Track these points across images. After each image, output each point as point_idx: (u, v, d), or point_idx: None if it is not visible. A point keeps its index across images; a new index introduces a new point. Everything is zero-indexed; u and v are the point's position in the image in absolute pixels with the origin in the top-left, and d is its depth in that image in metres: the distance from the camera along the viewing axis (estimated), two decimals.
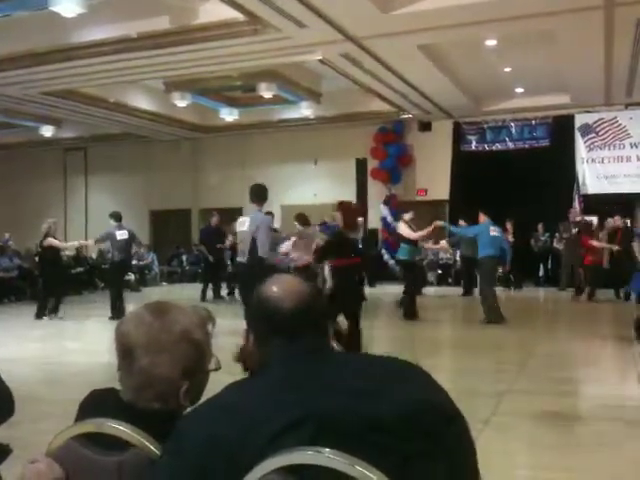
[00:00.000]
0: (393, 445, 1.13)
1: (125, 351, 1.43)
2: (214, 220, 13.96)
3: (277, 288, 1.38)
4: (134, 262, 16.53)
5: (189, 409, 1.39)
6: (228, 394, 1.26)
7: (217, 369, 1.52)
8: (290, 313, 1.34)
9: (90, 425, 1.39)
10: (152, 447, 1.32)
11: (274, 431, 1.12)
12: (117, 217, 10.97)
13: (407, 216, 10.54)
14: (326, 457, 1.08)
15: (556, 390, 5.66)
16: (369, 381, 1.23)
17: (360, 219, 10.80)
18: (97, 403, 1.48)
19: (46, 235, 10.76)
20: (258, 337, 1.38)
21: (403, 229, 10.36)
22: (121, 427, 1.34)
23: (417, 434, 1.16)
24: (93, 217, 19.92)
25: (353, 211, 7.85)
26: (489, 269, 9.68)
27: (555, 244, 14.55)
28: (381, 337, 9.11)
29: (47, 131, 17.16)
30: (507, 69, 13.39)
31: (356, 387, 1.21)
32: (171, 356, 1.41)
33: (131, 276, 15.80)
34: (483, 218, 10.02)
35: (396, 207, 16.88)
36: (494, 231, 9.75)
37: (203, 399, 1.37)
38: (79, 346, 8.43)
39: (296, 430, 1.12)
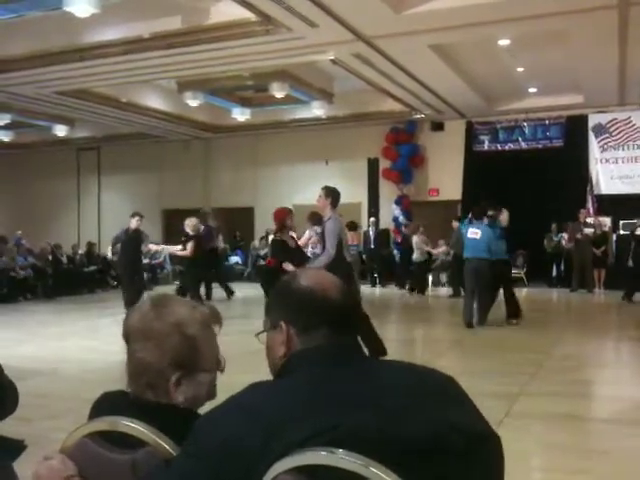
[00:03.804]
0: (415, 466, 1.09)
1: (124, 337, 1.48)
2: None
3: (319, 279, 1.38)
4: (146, 261, 16.61)
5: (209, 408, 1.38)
6: (251, 395, 1.22)
7: (220, 370, 1.51)
8: (338, 304, 1.33)
9: (104, 423, 1.40)
10: (165, 444, 1.31)
11: (293, 441, 1.09)
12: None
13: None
14: (339, 458, 1.06)
15: (570, 392, 5.62)
16: (398, 395, 1.19)
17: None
18: (109, 403, 1.49)
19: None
20: (300, 329, 1.33)
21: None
22: (134, 425, 1.34)
23: (441, 455, 1.11)
24: (106, 216, 20.04)
25: None
26: (466, 271, 9.43)
27: (564, 245, 14.50)
28: (389, 338, 9.09)
29: (60, 131, 17.26)
30: (520, 69, 13.32)
31: (383, 401, 1.17)
32: (158, 345, 1.41)
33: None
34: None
35: (408, 207, 16.87)
36: (473, 233, 9.36)
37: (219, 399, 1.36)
38: (93, 344, 8.48)
39: (313, 444, 1.09)
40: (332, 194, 6.91)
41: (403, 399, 1.18)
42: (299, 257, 7.51)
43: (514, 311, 9.45)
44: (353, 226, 12.97)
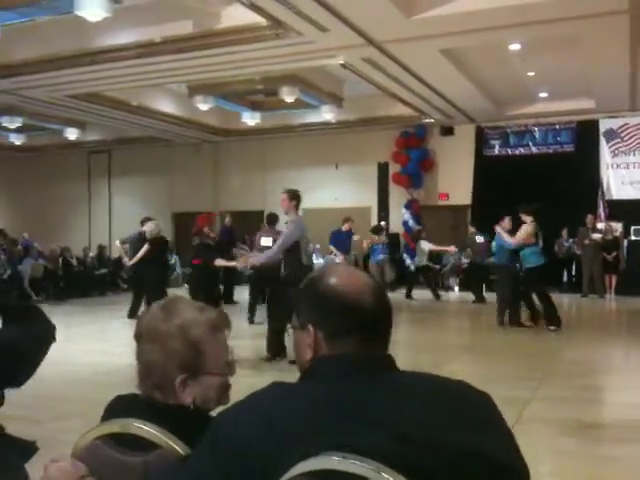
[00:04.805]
0: None
1: (136, 338, 1.50)
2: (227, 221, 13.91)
3: (351, 279, 1.25)
4: None
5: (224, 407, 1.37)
6: (267, 396, 1.17)
7: (231, 374, 1.51)
8: (370, 309, 1.22)
9: (115, 425, 1.40)
10: (176, 446, 1.32)
11: (307, 454, 1.06)
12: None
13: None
14: (351, 463, 1.05)
15: (581, 397, 5.60)
16: (420, 413, 1.12)
17: None
18: (122, 406, 1.49)
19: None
20: (327, 334, 1.24)
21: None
22: (146, 427, 1.35)
23: (453, 474, 1.04)
24: (116, 219, 20.13)
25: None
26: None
27: (575, 250, 14.44)
28: (397, 342, 9.07)
29: (72, 134, 17.36)
30: (531, 73, 13.29)
31: (403, 421, 1.10)
32: (162, 347, 1.43)
33: None
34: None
35: (417, 212, 16.84)
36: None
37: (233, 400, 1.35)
38: (104, 347, 8.50)
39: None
40: (296, 197, 7.05)
41: (428, 418, 1.11)
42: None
43: (531, 315, 9.77)
44: (376, 229, 13.72)
